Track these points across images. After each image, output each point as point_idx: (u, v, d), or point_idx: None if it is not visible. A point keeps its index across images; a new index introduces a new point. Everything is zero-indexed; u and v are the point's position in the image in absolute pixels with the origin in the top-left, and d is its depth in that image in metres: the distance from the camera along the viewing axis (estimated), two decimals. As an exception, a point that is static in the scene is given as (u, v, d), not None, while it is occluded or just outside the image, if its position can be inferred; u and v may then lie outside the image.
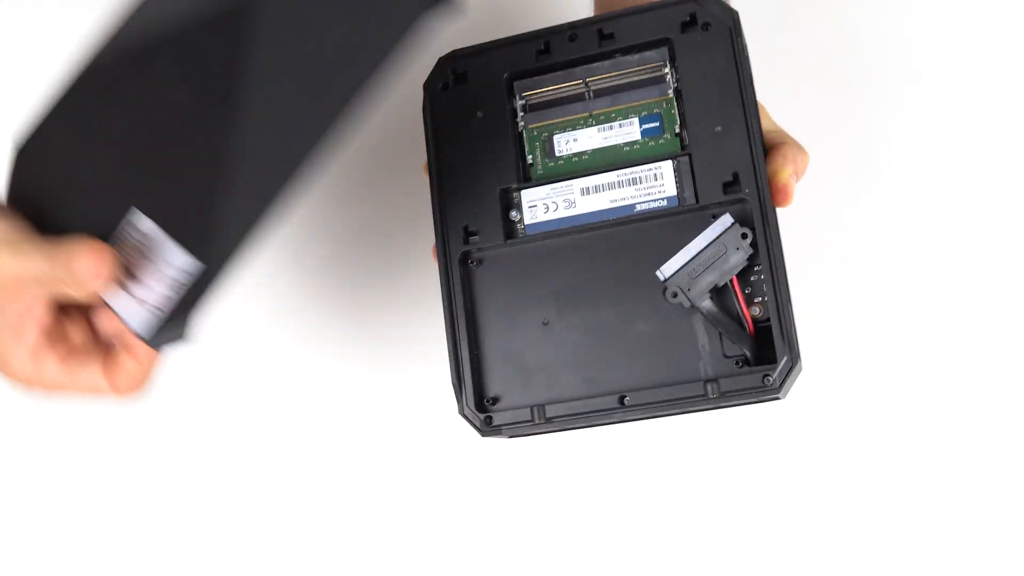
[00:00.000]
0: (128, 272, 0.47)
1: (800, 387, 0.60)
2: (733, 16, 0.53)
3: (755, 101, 0.52)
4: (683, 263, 0.52)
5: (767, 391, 0.50)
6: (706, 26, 0.53)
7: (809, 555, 0.63)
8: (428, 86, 0.57)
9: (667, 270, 0.52)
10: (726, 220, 0.52)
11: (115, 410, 0.68)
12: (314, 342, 0.68)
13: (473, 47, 0.56)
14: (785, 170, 0.53)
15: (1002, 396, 0.63)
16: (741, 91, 0.52)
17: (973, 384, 0.64)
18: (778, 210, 0.53)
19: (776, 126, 0.57)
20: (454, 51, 0.56)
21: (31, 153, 0.49)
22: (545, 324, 0.54)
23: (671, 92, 0.54)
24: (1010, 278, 0.64)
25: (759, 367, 0.51)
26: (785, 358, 0.50)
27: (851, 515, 0.63)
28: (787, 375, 0.50)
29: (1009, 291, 0.64)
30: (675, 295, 0.52)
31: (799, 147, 0.55)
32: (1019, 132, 0.66)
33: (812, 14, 0.69)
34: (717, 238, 0.51)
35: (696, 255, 0.51)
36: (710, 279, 0.51)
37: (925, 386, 0.64)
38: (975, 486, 0.63)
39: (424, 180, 0.56)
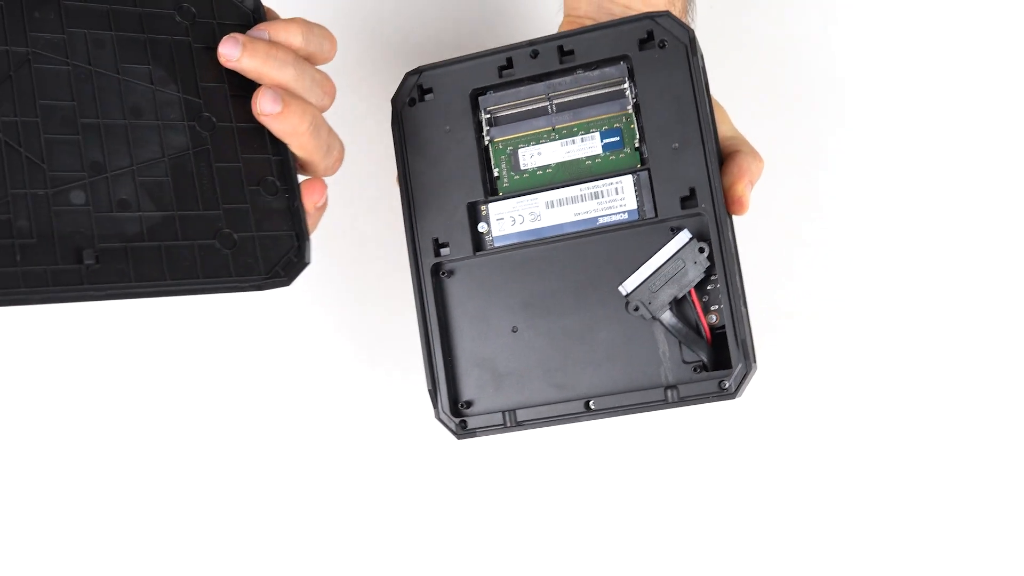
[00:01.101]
0: None
1: (761, 385, 0.64)
2: (689, 34, 0.55)
3: (711, 118, 0.55)
4: (644, 278, 0.54)
5: (723, 395, 0.53)
6: (663, 43, 0.55)
7: (776, 551, 0.67)
8: (395, 101, 0.58)
9: (628, 285, 0.55)
10: (684, 235, 0.54)
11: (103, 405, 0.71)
12: (292, 352, 0.70)
13: (438, 63, 0.58)
14: (741, 182, 0.55)
15: (958, 393, 0.66)
16: (697, 108, 0.54)
17: (927, 381, 0.66)
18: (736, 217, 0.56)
19: (735, 131, 0.59)
20: (420, 67, 0.58)
21: None
22: (514, 331, 0.57)
23: (630, 107, 0.56)
24: (964, 277, 0.67)
25: (716, 373, 0.54)
26: (740, 365, 0.53)
27: (808, 506, 0.66)
28: (742, 380, 0.53)
29: (963, 290, 0.66)
30: (637, 308, 0.54)
31: (754, 154, 0.57)
32: (968, 135, 0.68)
33: (772, 24, 0.70)
34: (676, 253, 0.54)
35: (656, 270, 0.54)
36: (670, 292, 0.54)
37: (880, 383, 0.66)
38: (929, 480, 0.66)
39: (396, 192, 0.58)
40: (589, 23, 0.60)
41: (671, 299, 0.54)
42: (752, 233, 0.61)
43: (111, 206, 0.46)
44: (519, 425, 0.56)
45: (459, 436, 0.57)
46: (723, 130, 0.58)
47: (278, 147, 0.51)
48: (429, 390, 0.57)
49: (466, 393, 0.57)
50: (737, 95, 0.62)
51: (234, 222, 0.49)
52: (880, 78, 0.69)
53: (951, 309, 0.66)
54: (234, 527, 0.69)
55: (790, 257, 0.68)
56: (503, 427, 0.56)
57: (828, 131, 0.69)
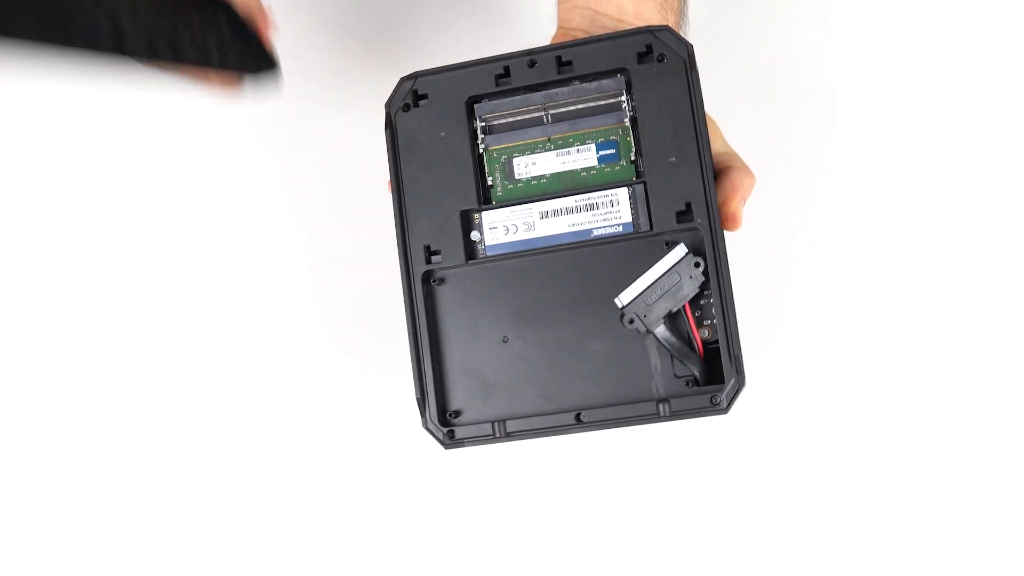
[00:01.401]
0: None
1: (757, 390, 0.64)
2: (688, 49, 0.55)
3: (707, 132, 0.55)
4: (640, 291, 0.54)
5: (715, 410, 0.54)
6: (661, 57, 0.55)
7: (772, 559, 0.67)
8: (390, 106, 0.58)
9: (625, 298, 0.54)
10: (680, 250, 0.54)
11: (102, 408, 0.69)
12: (281, 357, 0.69)
13: (434, 69, 0.57)
14: (734, 198, 0.55)
15: (950, 391, 0.67)
16: (695, 123, 0.54)
17: (919, 385, 0.67)
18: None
19: (727, 147, 0.59)
20: (415, 72, 0.57)
21: None
22: (505, 341, 0.56)
23: (627, 120, 0.56)
24: (956, 280, 0.68)
25: (708, 388, 0.54)
26: (732, 380, 0.53)
27: (802, 508, 0.67)
28: (734, 396, 0.53)
29: (955, 292, 0.68)
30: (632, 321, 0.54)
31: (746, 171, 0.57)
32: (963, 143, 0.69)
33: (769, 28, 0.71)
34: (672, 267, 0.54)
35: (652, 283, 0.54)
36: (665, 306, 0.54)
37: (875, 387, 0.67)
38: (924, 484, 0.67)
39: (389, 197, 0.58)
40: (582, 36, 0.60)
41: (666, 313, 0.54)
42: (748, 237, 0.62)
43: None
44: (508, 436, 0.56)
45: (447, 446, 0.56)
46: (716, 146, 0.58)
47: (224, 7, 0.57)
48: (417, 399, 0.56)
49: (455, 403, 0.57)
50: (733, 99, 0.63)
51: (214, 49, 0.56)
52: (875, 86, 0.70)
53: (944, 312, 0.68)
54: (220, 532, 0.68)
55: (784, 262, 0.68)
56: (492, 437, 0.56)
57: (824, 134, 0.69)
